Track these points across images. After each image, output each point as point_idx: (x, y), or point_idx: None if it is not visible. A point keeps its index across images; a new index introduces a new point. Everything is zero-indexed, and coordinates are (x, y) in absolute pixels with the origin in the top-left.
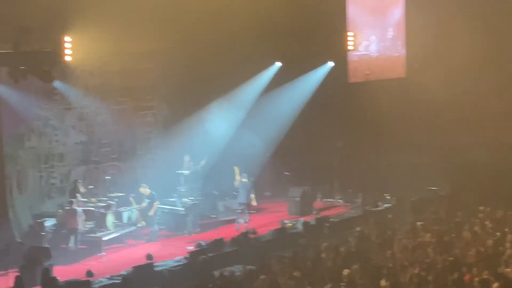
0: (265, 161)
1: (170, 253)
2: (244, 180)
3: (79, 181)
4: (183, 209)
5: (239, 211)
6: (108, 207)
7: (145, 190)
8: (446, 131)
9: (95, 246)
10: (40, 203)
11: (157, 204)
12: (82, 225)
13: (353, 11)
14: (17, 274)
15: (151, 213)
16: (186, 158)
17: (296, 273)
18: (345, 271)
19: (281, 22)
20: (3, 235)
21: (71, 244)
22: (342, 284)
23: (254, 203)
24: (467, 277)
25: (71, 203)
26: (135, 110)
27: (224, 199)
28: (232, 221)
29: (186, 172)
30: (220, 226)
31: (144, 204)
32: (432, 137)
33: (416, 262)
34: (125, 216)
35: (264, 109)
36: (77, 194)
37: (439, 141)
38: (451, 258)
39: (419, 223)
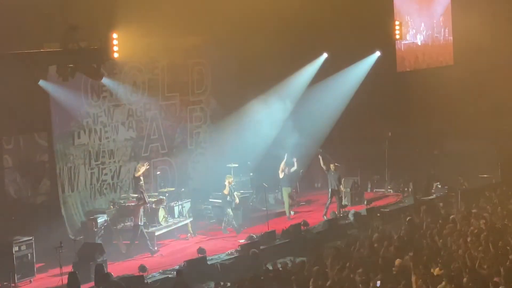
0: (314, 152)
1: (222, 246)
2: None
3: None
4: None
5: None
6: (159, 202)
7: (230, 179)
8: (495, 117)
9: (147, 241)
10: (92, 199)
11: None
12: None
13: None
14: (71, 270)
15: (237, 201)
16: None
17: (348, 264)
18: (397, 261)
19: (327, 13)
20: (56, 232)
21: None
22: (394, 273)
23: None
24: None
25: (139, 199)
26: (184, 105)
27: (275, 191)
28: (283, 213)
29: (235, 165)
30: (271, 218)
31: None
32: (481, 124)
33: (469, 250)
34: (176, 210)
35: (312, 100)
36: (141, 190)
37: (489, 128)
38: (504, 246)
39: (472, 210)
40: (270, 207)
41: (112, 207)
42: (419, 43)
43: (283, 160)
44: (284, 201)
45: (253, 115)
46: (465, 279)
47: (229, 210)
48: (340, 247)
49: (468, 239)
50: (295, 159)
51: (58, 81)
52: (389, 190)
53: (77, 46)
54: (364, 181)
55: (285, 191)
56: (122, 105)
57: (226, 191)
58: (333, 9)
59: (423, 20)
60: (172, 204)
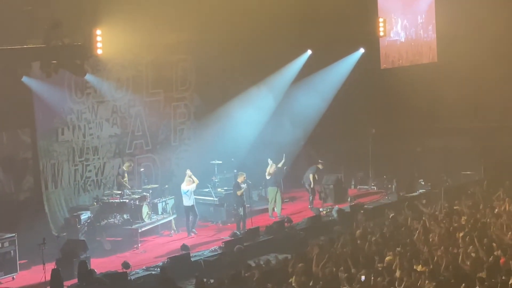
0: (298, 149)
1: (205, 243)
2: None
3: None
4: (217, 199)
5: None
6: (142, 198)
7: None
8: (478, 114)
9: (131, 238)
10: (75, 196)
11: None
12: None
13: None
14: (54, 267)
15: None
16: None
17: (332, 260)
18: (380, 258)
19: (312, 10)
20: (39, 229)
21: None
22: (377, 270)
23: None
24: (502, 260)
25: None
26: (168, 101)
27: (258, 188)
28: (266, 210)
29: (219, 162)
30: (254, 215)
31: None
32: (465, 121)
33: (452, 247)
34: (160, 207)
35: (297, 97)
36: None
37: (472, 125)
38: (487, 242)
39: (455, 207)
40: (253, 204)
41: (95, 203)
42: (403, 40)
43: (269, 166)
44: (269, 200)
45: (237, 112)
46: (448, 276)
47: (241, 209)
48: (323, 243)
49: (451, 236)
50: (284, 155)
51: (42, 78)
52: (372, 187)
53: (61, 43)
54: (347, 178)
55: (271, 191)
56: (106, 101)
57: (239, 193)
58: (317, 6)
59: (407, 17)
60: (155, 200)
